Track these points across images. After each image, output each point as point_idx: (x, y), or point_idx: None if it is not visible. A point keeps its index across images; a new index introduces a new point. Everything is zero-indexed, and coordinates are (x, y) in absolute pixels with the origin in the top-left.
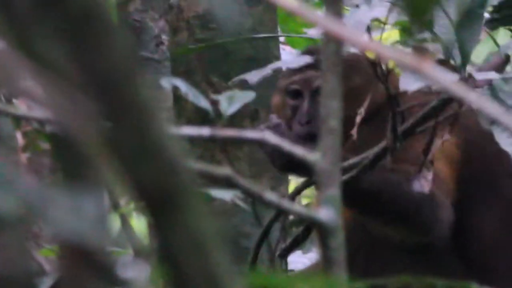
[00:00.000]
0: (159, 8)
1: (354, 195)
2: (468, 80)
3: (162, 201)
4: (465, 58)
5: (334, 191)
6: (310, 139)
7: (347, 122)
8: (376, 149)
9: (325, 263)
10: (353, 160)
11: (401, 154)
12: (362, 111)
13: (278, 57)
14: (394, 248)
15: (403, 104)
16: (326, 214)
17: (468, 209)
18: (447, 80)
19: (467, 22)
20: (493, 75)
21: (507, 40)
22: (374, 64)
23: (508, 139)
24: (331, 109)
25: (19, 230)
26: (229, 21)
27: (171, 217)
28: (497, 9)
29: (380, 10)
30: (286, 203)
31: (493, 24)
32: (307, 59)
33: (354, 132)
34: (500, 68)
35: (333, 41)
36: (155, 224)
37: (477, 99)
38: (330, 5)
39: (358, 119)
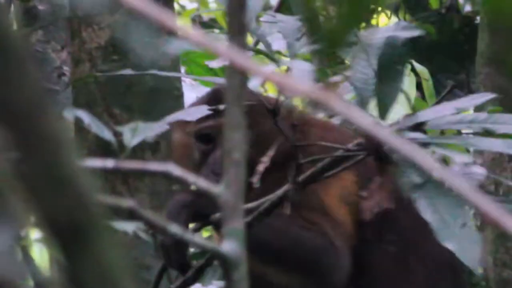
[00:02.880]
0: (61, 39)
1: (251, 243)
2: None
3: (72, 233)
4: (383, 113)
5: (238, 224)
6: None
7: (254, 168)
8: (272, 197)
9: None
10: (251, 205)
11: (303, 201)
12: (266, 159)
13: (179, 89)
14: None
15: (306, 154)
16: (229, 246)
17: (364, 248)
18: (355, 115)
19: (387, 77)
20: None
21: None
22: (274, 112)
23: (428, 207)
24: (235, 141)
25: None
26: (144, 52)
27: (80, 249)
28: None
29: (280, 43)
30: (189, 236)
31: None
32: (205, 111)
33: (255, 180)
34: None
35: (238, 73)
36: (64, 256)
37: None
38: (234, 36)
39: (261, 167)
